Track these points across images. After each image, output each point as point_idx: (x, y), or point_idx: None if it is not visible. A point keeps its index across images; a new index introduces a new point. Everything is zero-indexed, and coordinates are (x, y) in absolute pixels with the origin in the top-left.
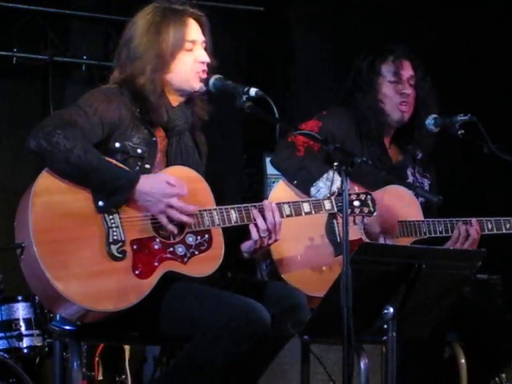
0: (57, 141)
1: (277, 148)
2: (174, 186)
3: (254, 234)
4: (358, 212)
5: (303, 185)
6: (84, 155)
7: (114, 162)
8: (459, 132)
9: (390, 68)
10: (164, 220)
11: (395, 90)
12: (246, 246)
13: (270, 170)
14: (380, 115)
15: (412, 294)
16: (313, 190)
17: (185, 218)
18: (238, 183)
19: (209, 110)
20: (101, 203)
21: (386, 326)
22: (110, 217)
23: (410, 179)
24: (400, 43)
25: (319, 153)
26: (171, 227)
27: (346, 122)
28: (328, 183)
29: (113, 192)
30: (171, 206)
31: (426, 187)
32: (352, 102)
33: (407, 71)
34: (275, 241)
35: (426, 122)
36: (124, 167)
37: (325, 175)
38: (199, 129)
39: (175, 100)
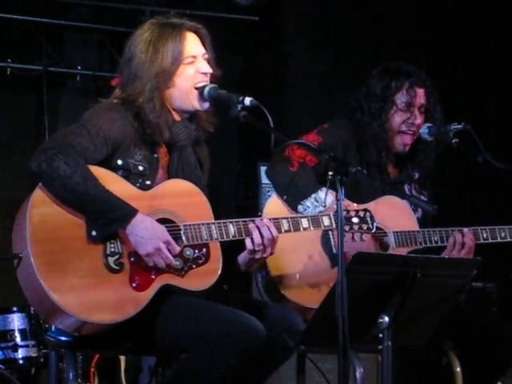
0: (57, 165)
1: (272, 159)
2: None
3: (249, 245)
4: (356, 229)
5: (291, 201)
6: (82, 183)
7: (115, 194)
8: (453, 141)
9: (403, 97)
10: (150, 263)
11: (404, 120)
12: (241, 258)
13: (265, 179)
14: (382, 145)
15: (407, 303)
16: (300, 208)
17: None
18: (232, 192)
19: (214, 122)
20: (94, 233)
21: (381, 335)
22: None
23: None
24: (415, 66)
25: (317, 166)
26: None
27: (346, 137)
28: (315, 203)
29: (107, 223)
30: (159, 250)
31: None
32: (357, 119)
33: (420, 99)
34: (270, 254)
35: (421, 131)
36: (123, 200)
37: (313, 195)
38: (202, 142)
39: (178, 115)
